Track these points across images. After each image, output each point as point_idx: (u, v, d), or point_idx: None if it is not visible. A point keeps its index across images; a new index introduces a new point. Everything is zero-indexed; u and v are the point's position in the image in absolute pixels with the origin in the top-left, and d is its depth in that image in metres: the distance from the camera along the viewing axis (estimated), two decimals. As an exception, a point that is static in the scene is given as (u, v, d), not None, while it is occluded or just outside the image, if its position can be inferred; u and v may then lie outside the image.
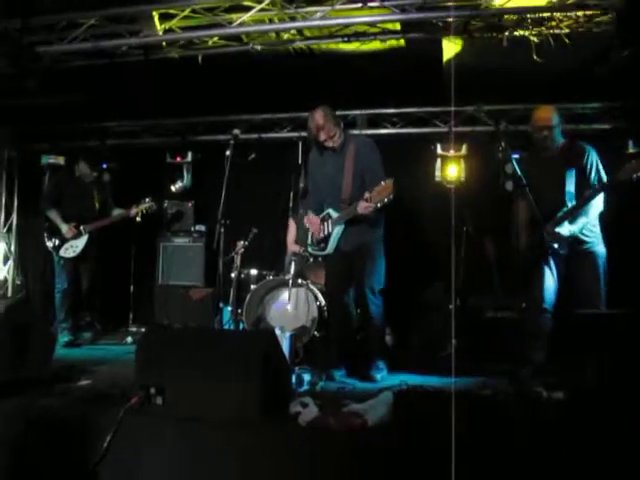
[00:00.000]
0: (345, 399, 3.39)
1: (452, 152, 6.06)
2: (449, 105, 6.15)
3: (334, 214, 4.22)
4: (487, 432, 2.83)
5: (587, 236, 3.87)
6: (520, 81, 4.66)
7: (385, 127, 6.43)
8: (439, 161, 6.03)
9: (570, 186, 3.83)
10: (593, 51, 4.12)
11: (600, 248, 3.90)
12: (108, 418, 3.08)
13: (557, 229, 3.80)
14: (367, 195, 3.91)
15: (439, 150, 6.13)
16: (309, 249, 4.50)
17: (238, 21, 4.10)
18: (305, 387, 3.69)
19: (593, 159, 3.88)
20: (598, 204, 3.85)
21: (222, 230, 4.27)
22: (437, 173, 6.05)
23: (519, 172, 3.80)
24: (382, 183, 3.80)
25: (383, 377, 4.19)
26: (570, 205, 3.82)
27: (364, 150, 4.18)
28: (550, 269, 3.91)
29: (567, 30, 3.87)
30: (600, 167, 3.88)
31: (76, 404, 3.39)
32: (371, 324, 4.26)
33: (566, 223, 3.80)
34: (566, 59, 4.18)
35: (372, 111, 6.37)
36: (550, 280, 3.93)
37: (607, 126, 5.81)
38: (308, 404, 3.13)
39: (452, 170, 5.93)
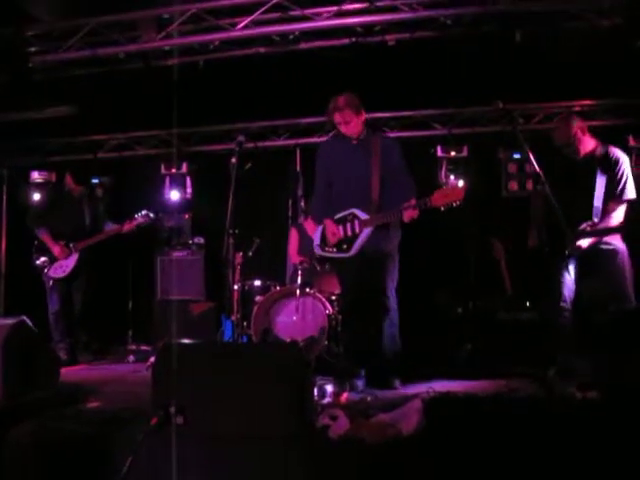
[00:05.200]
0: (370, 409, 3.28)
1: (453, 154, 6.02)
2: (446, 107, 6.16)
3: (362, 215, 4.04)
4: (526, 436, 2.74)
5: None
6: (526, 78, 4.63)
7: (382, 131, 6.35)
8: (444, 167, 5.96)
9: (598, 200, 3.78)
10: (602, 44, 4.08)
11: (619, 244, 3.85)
12: (126, 440, 2.92)
13: (578, 243, 3.76)
14: (414, 202, 3.82)
15: (439, 152, 6.08)
16: (322, 251, 4.29)
17: (242, 24, 3.98)
18: (328, 399, 3.55)
19: (624, 170, 3.82)
20: (619, 216, 3.81)
21: (231, 241, 4.13)
22: (442, 178, 5.99)
23: (538, 170, 3.71)
24: (450, 186, 3.72)
25: (401, 384, 4.08)
26: (595, 221, 3.78)
27: (391, 150, 4.08)
28: (567, 269, 3.86)
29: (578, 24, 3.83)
30: (629, 179, 3.82)
31: (90, 427, 3.22)
32: (389, 333, 4.14)
33: (588, 238, 3.77)
34: (576, 53, 4.14)
35: (369, 115, 6.27)
36: (568, 278, 3.89)
37: (606, 122, 5.83)
38: (338, 416, 3.01)
39: (459, 182, 5.91)
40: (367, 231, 4.02)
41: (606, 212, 3.78)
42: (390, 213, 3.96)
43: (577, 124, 3.87)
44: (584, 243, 3.76)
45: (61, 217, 5.53)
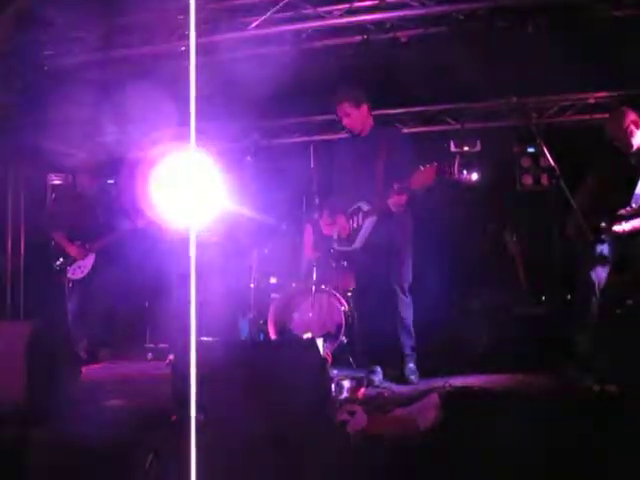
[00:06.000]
0: (387, 404, 3.30)
1: (466, 149, 6.00)
2: (459, 101, 6.14)
3: (365, 207, 4.07)
4: (543, 429, 2.74)
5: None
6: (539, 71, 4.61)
7: (395, 127, 6.34)
8: (457, 159, 5.94)
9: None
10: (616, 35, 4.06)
11: None
12: (148, 437, 2.97)
13: (615, 227, 3.76)
14: (396, 186, 3.81)
15: (452, 147, 6.06)
16: (335, 246, 4.35)
17: (255, 23, 4.01)
18: (345, 394, 3.58)
19: None
20: None
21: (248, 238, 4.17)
22: (454, 171, 5.96)
23: (553, 164, 3.70)
24: (422, 168, 3.71)
25: (418, 379, 4.10)
26: (634, 206, 3.77)
27: (399, 143, 4.09)
28: (598, 257, 3.85)
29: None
30: None
31: (112, 425, 3.28)
32: (402, 325, 4.15)
33: (623, 222, 3.77)
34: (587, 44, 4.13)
35: (381, 112, 6.27)
36: (599, 268, 3.86)
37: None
38: (356, 412, 3.03)
39: (474, 175, 5.85)
40: (370, 221, 4.03)
41: None
42: (381, 201, 3.97)
43: (630, 117, 3.83)
44: (620, 228, 3.75)
45: (75, 218, 5.58)
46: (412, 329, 4.18)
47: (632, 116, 3.84)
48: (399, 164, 3.96)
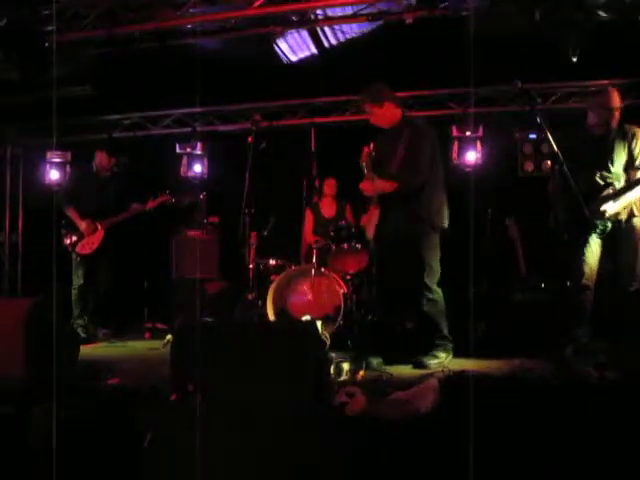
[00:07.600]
0: (387, 387, 3.31)
1: (468, 134, 5.98)
2: (462, 86, 6.09)
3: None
4: (540, 415, 2.76)
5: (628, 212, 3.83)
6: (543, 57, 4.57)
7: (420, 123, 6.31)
8: (456, 144, 5.94)
9: (619, 167, 3.83)
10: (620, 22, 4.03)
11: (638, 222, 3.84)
12: (146, 416, 2.97)
13: (602, 207, 3.75)
14: (371, 175, 3.98)
15: (454, 132, 6.04)
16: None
17: (258, 2, 3.95)
18: (344, 376, 3.59)
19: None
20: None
21: (247, 220, 4.17)
22: (454, 156, 5.96)
23: (556, 150, 3.68)
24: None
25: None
26: (617, 185, 3.82)
27: (415, 136, 4.05)
28: (590, 245, 3.85)
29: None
30: None
31: (111, 403, 3.29)
32: (427, 320, 4.15)
33: (611, 202, 3.77)
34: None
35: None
36: (591, 255, 3.87)
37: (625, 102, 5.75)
38: (354, 394, 3.04)
39: (470, 155, 5.85)
40: (376, 213, 4.10)
41: (628, 179, 3.83)
42: None
43: (620, 101, 3.87)
44: (609, 208, 3.76)
45: (89, 196, 5.64)
46: (440, 322, 4.17)
47: (620, 101, 3.89)
48: (411, 161, 3.97)
